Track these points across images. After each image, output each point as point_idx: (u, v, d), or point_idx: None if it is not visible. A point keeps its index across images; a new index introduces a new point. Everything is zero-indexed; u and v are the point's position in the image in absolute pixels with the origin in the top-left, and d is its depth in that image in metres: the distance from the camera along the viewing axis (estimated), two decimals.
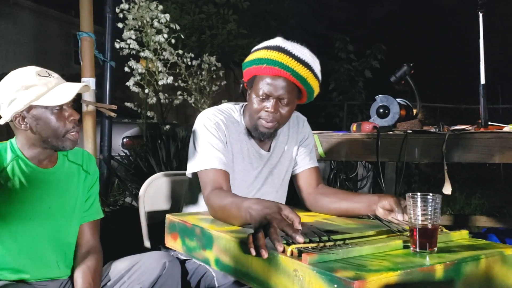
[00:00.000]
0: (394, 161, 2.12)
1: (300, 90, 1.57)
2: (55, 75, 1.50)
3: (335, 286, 0.89)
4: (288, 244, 1.05)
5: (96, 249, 1.60)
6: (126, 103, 4.48)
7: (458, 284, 1.03)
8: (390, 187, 2.97)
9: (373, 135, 2.17)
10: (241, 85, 1.67)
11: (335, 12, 16.46)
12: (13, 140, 1.52)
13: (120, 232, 2.68)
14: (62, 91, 1.45)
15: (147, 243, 1.83)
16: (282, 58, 1.48)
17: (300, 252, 1.02)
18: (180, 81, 4.62)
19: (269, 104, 1.54)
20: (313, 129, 1.86)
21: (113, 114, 3.53)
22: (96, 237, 1.64)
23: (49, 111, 1.44)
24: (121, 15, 3.99)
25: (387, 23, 15.45)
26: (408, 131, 2.17)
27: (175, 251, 1.69)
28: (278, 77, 1.51)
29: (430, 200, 1.09)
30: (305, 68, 1.51)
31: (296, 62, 1.49)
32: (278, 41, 1.54)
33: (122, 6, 3.98)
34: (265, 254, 1.05)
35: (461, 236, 1.27)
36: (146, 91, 4.17)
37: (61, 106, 1.46)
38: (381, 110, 2.55)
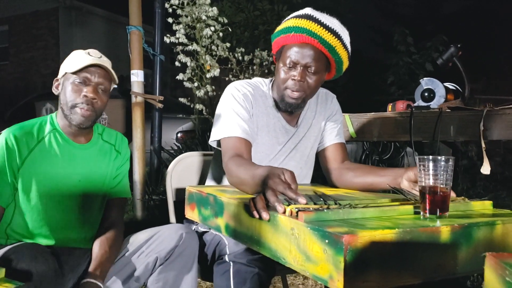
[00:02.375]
0: (428, 140, 2.00)
1: (329, 62, 1.55)
2: (105, 58, 1.60)
3: (326, 241, 0.86)
4: (290, 205, 1.03)
5: (118, 224, 1.65)
6: (180, 99, 4.60)
7: (467, 250, 0.95)
8: None
9: (407, 114, 2.07)
10: (271, 58, 1.67)
11: (400, 8, 15.95)
12: (53, 114, 1.62)
13: (163, 218, 2.78)
14: (78, 62, 1.54)
15: (172, 219, 1.87)
16: (310, 25, 1.48)
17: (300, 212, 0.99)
18: (231, 76, 4.68)
19: (296, 72, 1.52)
20: None
21: (160, 105, 3.65)
22: (119, 214, 1.69)
23: (71, 81, 1.54)
24: (170, 10, 4.11)
25: (458, 18, 14.68)
26: (446, 110, 2.05)
27: (196, 225, 1.71)
28: (306, 45, 1.49)
29: (442, 162, 1.01)
30: (334, 37, 1.49)
31: (324, 30, 1.48)
32: (307, 10, 1.53)
33: (172, 1, 4.11)
34: (266, 216, 1.04)
35: (484, 206, 1.18)
36: (195, 84, 4.27)
37: (83, 80, 1.53)
38: (426, 94, 2.42)
